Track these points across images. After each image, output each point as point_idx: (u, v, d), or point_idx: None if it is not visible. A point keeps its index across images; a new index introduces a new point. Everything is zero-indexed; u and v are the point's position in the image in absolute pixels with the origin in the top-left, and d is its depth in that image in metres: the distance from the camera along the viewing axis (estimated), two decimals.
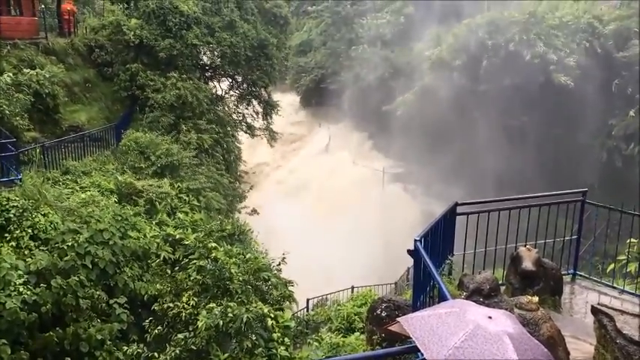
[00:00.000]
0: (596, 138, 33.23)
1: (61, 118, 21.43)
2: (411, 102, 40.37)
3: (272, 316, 10.30)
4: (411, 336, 3.69)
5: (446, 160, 35.29)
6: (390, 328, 4.17)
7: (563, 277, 8.17)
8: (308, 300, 21.74)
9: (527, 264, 6.83)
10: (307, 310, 20.86)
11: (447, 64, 37.87)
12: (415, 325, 3.72)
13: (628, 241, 11.15)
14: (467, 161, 34.07)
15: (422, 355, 3.73)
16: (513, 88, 33.91)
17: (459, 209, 8.51)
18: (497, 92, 34.02)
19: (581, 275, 9.03)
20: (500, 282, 7.43)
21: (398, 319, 3.95)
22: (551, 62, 33.89)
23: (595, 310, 5.49)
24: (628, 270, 10.43)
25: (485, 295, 5.84)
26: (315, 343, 9.99)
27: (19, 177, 15.08)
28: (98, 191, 17.03)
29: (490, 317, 3.53)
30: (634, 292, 8.46)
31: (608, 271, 12.09)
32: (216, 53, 31.01)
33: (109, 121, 24.15)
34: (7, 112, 17.00)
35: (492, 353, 3.32)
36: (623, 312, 5.36)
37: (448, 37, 40.67)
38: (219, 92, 33.08)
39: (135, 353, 10.68)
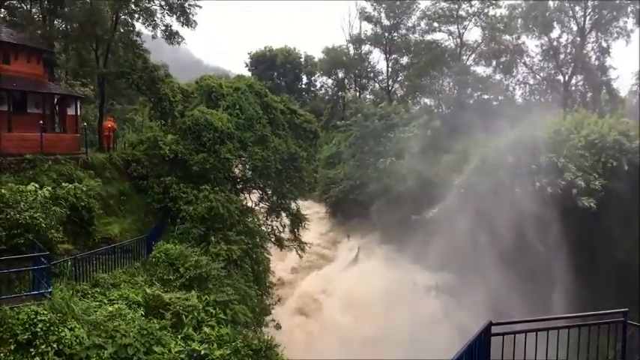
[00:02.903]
0: (634, 253, 32.31)
1: (95, 230, 21.83)
2: (441, 214, 40.29)
3: None
4: None
5: (479, 277, 34.54)
6: None
7: None
8: None
9: None
10: None
11: (474, 189, 37.96)
12: None
13: None
14: (499, 280, 33.22)
15: None
16: (543, 212, 33.64)
17: (494, 329, 8.16)
18: (527, 214, 33.71)
19: None
20: None
21: None
22: (578, 187, 33.90)
23: None
24: None
25: None
26: None
27: (49, 290, 15.13)
28: (126, 304, 16.98)
29: None
30: None
31: None
32: (247, 166, 31.90)
33: (141, 233, 24.48)
34: (43, 225, 17.37)
35: None
36: None
37: (475, 151, 41.18)
38: (250, 204, 33.59)
39: None
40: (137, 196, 27.06)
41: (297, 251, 36.03)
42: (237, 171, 33.16)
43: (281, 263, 44.58)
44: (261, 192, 34.00)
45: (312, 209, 54.00)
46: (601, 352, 8.76)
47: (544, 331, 8.24)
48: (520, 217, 33.56)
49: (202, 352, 14.48)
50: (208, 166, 27.45)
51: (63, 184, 21.21)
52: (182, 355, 14.58)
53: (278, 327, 30.58)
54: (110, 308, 15.85)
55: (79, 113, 28.66)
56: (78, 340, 13.24)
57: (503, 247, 34.06)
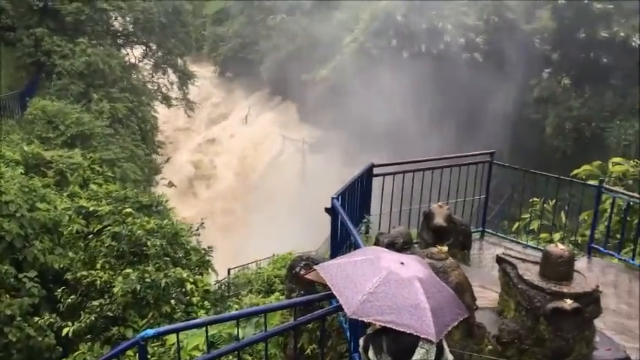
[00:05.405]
0: (508, 105, 34.51)
1: None
2: (331, 74, 40.47)
3: (191, 280, 10.26)
4: (327, 283, 3.80)
5: (365, 130, 35.63)
6: (306, 276, 4.27)
7: (473, 234, 8.59)
8: (229, 270, 21.64)
9: (439, 220, 7.12)
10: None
11: (364, 49, 38.15)
12: (331, 272, 3.82)
13: (530, 200, 11.96)
14: (386, 131, 34.56)
15: (337, 301, 3.85)
16: (428, 68, 34.53)
17: (376, 170, 8.72)
18: (414, 70, 34.46)
19: (489, 232, 9.55)
20: (414, 241, 7.73)
21: (315, 266, 4.04)
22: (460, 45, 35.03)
23: (499, 259, 5.84)
24: (531, 228, 11.22)
25: (398, 249, 6.05)
26: (236, 305, 10.07)
27: None
28: (2, 162, 16.09)
29: (402, 263, 3.67)
30: (536, 246, 9.07)
31: (513, 229, 12.91)
32: (128, 19, 29.83)
33: (12, 90, 22.84)
34: None
35: (404, 297, 3.48)
36: (524, 260, 5.73)
37: (366, 8, 40.80)
38: (133, 60, 31.84)
39: (47, 324, 10.30)
40: (5, 49, 24.82)
41: (185, 110, 35.24)
42: (117, 24, 31.00)
43: (169, 124, 43.68)
44: (144, 47, 32.17)
45: (202, 70, 52.23)
46: (470, 193, 9.70)
47: (420, 172, 8.96)
48: (410, 78, 34.39)
49: (91, 209, 14.24)
50: (83, 17, 25.42)
51: None
52: (69, 212, 14.29)
53: (170, 185, 30.62)
54: None
55: None
56: None
57: (392, 108, 35.07)
